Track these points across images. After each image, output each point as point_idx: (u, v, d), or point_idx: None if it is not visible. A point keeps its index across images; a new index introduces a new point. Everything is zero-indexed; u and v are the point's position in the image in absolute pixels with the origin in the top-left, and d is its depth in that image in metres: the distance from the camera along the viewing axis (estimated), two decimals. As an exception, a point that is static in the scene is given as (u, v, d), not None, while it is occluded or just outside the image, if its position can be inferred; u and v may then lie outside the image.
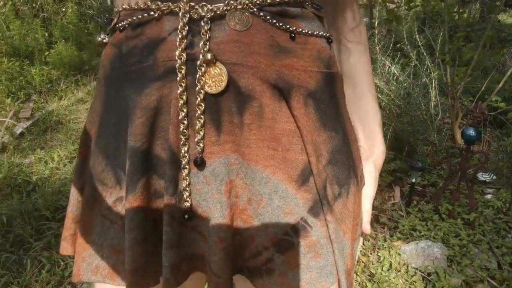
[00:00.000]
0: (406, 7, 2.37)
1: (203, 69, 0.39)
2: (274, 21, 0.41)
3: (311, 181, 0.42)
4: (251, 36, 0.40)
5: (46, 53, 3.81)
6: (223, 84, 0.39)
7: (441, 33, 2.39)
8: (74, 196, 0.50)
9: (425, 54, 2.48)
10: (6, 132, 2.74)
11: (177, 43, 0.39)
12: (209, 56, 0.38)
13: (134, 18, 0.42)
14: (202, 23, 0.39)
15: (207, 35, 0.39)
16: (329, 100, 0.45)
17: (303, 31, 0.43)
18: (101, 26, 4.56)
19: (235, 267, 0.44)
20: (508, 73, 2.35)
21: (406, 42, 2.61)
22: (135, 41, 0.42)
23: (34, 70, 3.53)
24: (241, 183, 0.42)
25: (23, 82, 3.42)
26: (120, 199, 0.44)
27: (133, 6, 0.42)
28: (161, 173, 0.43)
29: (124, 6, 0.44)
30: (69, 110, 3.27)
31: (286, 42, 0.42)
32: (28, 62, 3.66)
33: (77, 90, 3.60)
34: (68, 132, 2.86)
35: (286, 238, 0.42)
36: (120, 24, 0.44)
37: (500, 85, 2.34)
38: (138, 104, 0.41)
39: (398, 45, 3.11)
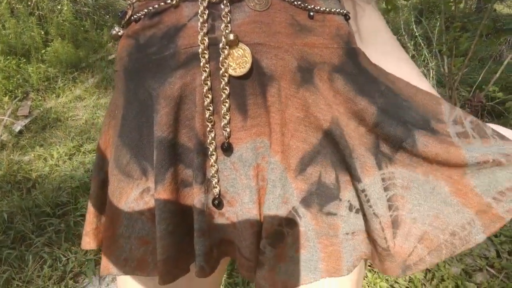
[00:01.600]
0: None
1: (226, 51, 0.38)
2: None
3: (309, 170, 0.42)
4: (271, 16, 0.40)
5: (43, 51, 3.80)
6: (248, 65, 0.39)
7: (438, 24, 2.39)
8: (95, 191, 0.50)
9: (422, 44, 2.48)
10: (4, 130, 2.74)
11: (199, 27, 0.39)
12: (231, 37, 0.38)
13: (150, 8, 0.42)
14: (222, 6, 0.39)
15: (228, 17, 0.39)
16: (359, 72, 0.44)
17: (321, 9, 0.42)
18: (97, 23, 4.55)
19: None
20: (505, 63, 2.35)
21: (404, 33, 2.60)
22: (153, 31, 0.42)
23: (31, 68, 3.52)
24: (266, 166, 0.41)
25: (20, 80, 3.41)
26: (146, 190, 0.43)
27: None
28: (188, 162, 0.42)
29: None
30: (67, 107, 3.26)
31: (305, 21, 0.41)
32: (24, 60, 3.64)
33: (74, 87, 3.59)
34: (67, 129, 2.86)
35: (279, 229, 0.41)
36: (136, 16, 0.43)
37: (498, 74, 2.34)
38: (161, 94, 0.40)
39: (395, 36, 3.11)
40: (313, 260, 0.42)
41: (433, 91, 0.49)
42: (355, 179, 0.41)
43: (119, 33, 0.47)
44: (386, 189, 0.42)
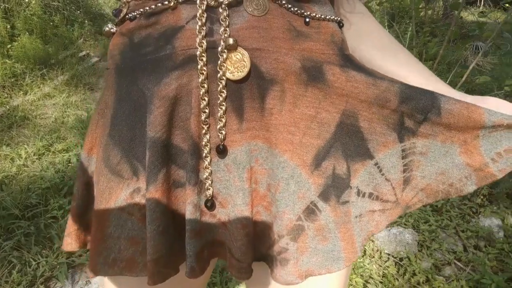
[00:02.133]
0: (377, 1, 2.44)
1: (224, 55, 0.39)
2: (290, 6, 0.42)
3: (324, 165, 0.43)
4: (269, 22, 0.40)
5: (9, 45, 3.62)
6: (246, 69, 0.39)
7: (409, 29, 2.48)
8: (79, 191, 0.49)
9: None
10: (-33, 129, 2.59)
11: (197, 30, 0.39)
12: (231, 41, 0.38)
13: (147, 8, 0.42)
14: (221, 10, 0.39)
15: (227, 21, 0.39)
16: (359, 69, 0.45)
17: (317, 16, 0.43)
18: (67, 19, 4.39)
19: (257, 254, 0.44)
20: (470, 68, 2.47)
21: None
22: (149, 30, 0.42)
23: (-4, 64, 3.35)
24: (260, 169, 0.42)
25: (-16, 76, 3.24)
26: (137, 190, 0.43)
27: None
28: (181, 163, 0.42)
29: None
30: (36, 105, 3.13)
31: (301, 27, 0.42)
32: (-12, 55, 3.47)
33: (43, 84, 3.45)
34: (36, 128, 2.74)
35: (299, 224, 0.42)
36: (131, 14, 0.43)
37: (463, 78, 2.46)
38: (156, 94, 0.40)
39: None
40: (335, 250, 0.43)
41: (436, 78, 0.51)
42: (367, 158, 0.44)
43: (112, 30, 0.46)
44: (404, 157, 0.45)
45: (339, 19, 0.46)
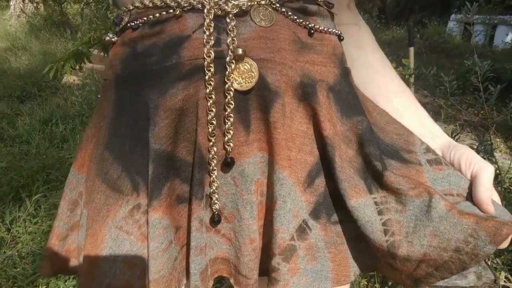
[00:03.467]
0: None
1: (232, 65, 0.38)
2: (295, 17, 0.42)
3: (317, 182, 0.42)
4: (276, 33, 0.40)
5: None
6: (254, 80, 0.39)
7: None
8: (64, 211, 0.46)
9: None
10: None
11: (204, 40, 0.38)
12: (240, 51, 0.37)
13: (151, 16, 0.41)
14: (228, 20, 0.39)
15: (234, 31, 0.39)
16: (348, 92, 0.45)
17: (320, 28, 0.44)
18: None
19: (261, 268, 0.43)
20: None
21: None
22: (153, 40, 0.41)
23: None
24: (265, 182, 0.41)
25: None
26: (137, 207, 0.41)
27: (147, 3, 0.41)
28: (185, 177, 0.41)
29: (136, 5, 0.42)
30: None
31: (306, 38, 0.42)
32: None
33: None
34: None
35: (292, 244, 0.41)
36: (133, 23, 0.42)
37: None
38: (161, 105, 0.39)
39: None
40: (324, 270, 0.42)
41: (401, 82, 0.52)
42: (344, 198, 0.41)
43: (113, 40, 0.45)
44: (380, 212, 0.41)
45: (339, 32, 0.47)
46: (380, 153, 0.42)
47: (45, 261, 0.46)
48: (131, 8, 0.43)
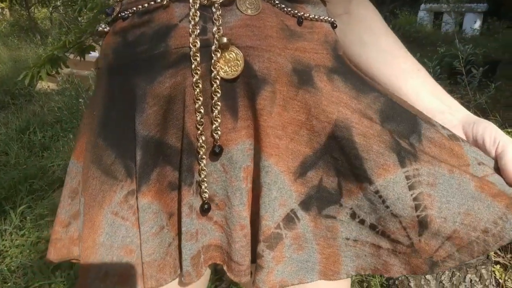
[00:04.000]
0: None
1: (218, 54, 0.38)
2: (283, 5, 0.41)
3: (309, 174, 0.42)
4: (263, 20, 0.40)
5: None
6: (240, 68, 0.39)
7: None
8: (65, 198, 0.47)
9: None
10: None
11: (190, 29, 0.39)
12: (225, 40, 0.38)
13: (140, 6, 0.41)
14: (214, 9, 0.39)
15: (220, 20, 0.39)
16: (352, 74, 0.44)
17: (310, 16, 0.43)
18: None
19: (253, 255, 0.43)
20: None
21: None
22: (143, 29, 0.41)
23: None
24: (254, 169, 0.41)
25: None
26: (131, 192, 0.41)
27: None
28: (175, 164, 0.41)
29: None
30: None
31: (295, 27, 0.42)
32: None
33: None
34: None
35: (277, 232, 0.41)
36: (124, 13, 0.43)
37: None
38: (149, 93, 0.40)
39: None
40: (310, 261, 0.42)
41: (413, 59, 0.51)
42: (365, 181, 0.40)
43: (105, 30, 0.45)
44: (411, 187, 0.39)
45: (332, 19, 0.46)
46: (407, 121, 0.41)
47: (50, 246, 0.46)
48: None
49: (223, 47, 0.38)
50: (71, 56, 1.90)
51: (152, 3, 0.41)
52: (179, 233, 0.42)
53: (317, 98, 0.41)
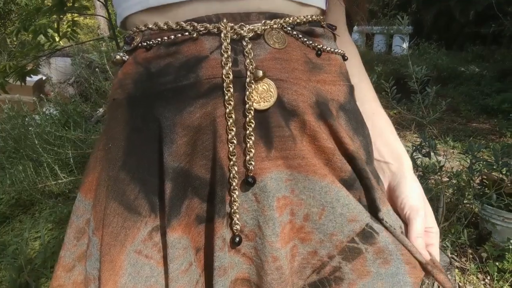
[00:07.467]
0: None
1: (252, 86, 0.39)
2: (305, 39, 0.44)
3: (352, 193, 0.43)
4: (289, 54, 0.42)
5: None
6: (273, 99, 0.40)
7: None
8: (70, 239, 0.45)
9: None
10: None
11: (223, 61, 0.40)
12: (260, 73, 0.39)
13: (165, 38, 0.42)
14: (244, 43, 0.40)
15: (251, 54, 0.40)
16: (354, 109, 0.48)
17: (326, 49, 0.46)
18: None
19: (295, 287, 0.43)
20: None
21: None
22: (168, 60, 0.41)
23: None
24: (295, 200, 0.41)
25: None
26: (156, 228, 0.40)
27: (161, 26, 0.42)
28: (203, 196, 0.41)
29: (149, 26, 0.43)
30: None
31: (315, 59, 0.45)
32: None
33: None
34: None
35: (353, 245, 0.42)
36: (146, 43, 0.42)
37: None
38: (179, 123, 0.40)
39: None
40: (400, 273, 0.42)
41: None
42: (375, 209, 0.43)
43: (124, 58, 0.45)
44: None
45: (343, 52, 0.49)
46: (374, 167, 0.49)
47: None
48: (143, 29, 0.43)
49: (258, 80, 0.39)
50: (11, 80, 1.74)
51: (180, 35, 0.41)
52: (205, 268, 0.42)
53: (335, 129, 0.43)
